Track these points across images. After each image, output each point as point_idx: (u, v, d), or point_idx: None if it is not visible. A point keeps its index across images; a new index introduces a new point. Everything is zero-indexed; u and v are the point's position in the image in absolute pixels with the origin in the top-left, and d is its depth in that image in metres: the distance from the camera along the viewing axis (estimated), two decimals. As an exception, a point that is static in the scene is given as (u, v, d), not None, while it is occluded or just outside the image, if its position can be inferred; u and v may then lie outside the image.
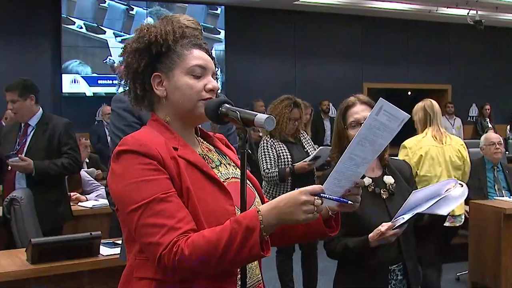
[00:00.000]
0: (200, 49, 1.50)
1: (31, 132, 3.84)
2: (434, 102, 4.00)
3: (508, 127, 10.88)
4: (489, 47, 11.48)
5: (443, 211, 1.96)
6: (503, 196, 4.73)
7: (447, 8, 9.89)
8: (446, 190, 2.00)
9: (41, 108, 3.90)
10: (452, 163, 3.97)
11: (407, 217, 2.03)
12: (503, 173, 4.91)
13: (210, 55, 1.52)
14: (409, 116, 1.43)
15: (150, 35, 1.46)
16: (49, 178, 3.75)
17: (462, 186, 2.04)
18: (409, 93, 12.62)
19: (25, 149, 3.78)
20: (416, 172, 3.85)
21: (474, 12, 9.60)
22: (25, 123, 3.85)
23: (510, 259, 4.34)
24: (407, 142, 3.97)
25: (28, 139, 3.82)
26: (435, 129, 3.92)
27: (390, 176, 2.30)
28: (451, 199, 1.99)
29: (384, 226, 2.08)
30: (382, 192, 2.26)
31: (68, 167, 3.83)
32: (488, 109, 10.89)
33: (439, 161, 3.89)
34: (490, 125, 10.76)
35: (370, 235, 2.12)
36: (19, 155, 3.69)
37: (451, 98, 11.35)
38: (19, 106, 3.78)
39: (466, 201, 4.73)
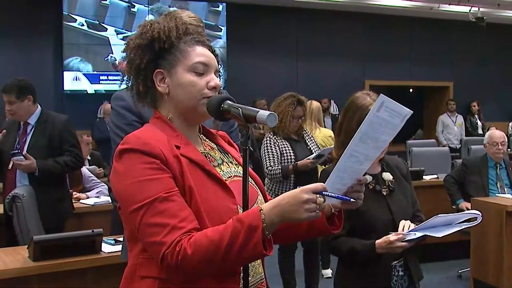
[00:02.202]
0: (203, 46, 1.48)
1: (31, 130, 3.82)
2: (314, 103, 5.13)
3: (511, 124, 10.85)
4: (491, 44, 11.44)
5: (439, 234, 1.95)
6: (505, 194, 4.71)
7: (449, 5, 9.88)
8: (463, 221, 1.99)
9: (39, 106, 3.88)
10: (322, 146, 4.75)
11: (418, 234, 2.02)
12: (506, 170, 4.88)
13: (213, 52, 1.51)
14: (412, 112, 1.40)
15: (153, 31, 1.45)
16: (52, 176, 3.75)
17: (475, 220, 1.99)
18: (411, 90, 12.61)
19: (25, 147, 3.76)
20: None
21: (476, 9, 9.59)
22: (25, 122, 3.84)
23: (512, 256, 4.33)
24: None
25: (28, 138, 3.81)
26: (308, 122, 4.87)
27: (388, 173, 2.30)
28: (455, 226, 1.98)
29: (393, 237, 2.07)
30: (382, 189, 2.26)
31: (71, 165, 3.83)
32: (475, 106, 10.85)
33: None
34: (479, 123, 10.74)
35: (378, 241, 2.10)
36: (24, 153, 3.69)
37: (453, 95, 11.33)
38: (17, 107, 3.76)
39: (468, 199, 4.75)
